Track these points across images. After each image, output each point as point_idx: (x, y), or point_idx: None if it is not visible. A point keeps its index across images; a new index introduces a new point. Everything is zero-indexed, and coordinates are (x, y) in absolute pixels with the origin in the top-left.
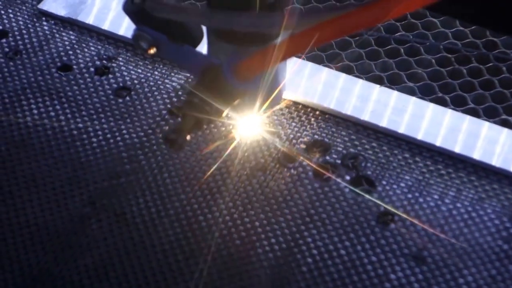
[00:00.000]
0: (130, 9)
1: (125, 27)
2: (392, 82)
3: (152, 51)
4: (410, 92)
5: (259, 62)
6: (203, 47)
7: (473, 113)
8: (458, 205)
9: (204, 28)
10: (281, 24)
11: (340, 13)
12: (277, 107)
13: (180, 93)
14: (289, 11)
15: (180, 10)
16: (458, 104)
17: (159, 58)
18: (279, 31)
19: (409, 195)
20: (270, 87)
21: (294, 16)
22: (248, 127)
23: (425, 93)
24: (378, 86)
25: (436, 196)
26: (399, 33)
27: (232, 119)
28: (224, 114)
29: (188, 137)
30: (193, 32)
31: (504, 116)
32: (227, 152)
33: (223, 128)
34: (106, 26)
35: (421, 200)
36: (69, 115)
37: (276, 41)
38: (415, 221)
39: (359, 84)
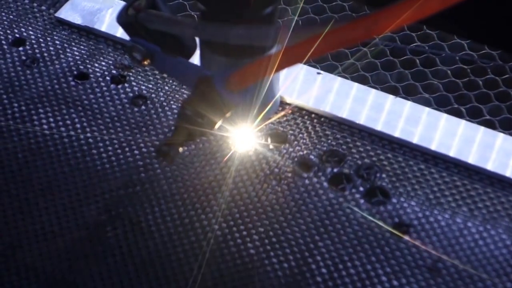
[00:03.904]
0: (124, 20)
1: None
2: (408, 93)
3: (146, 62)
4: (426, 103)
5: (250, 73)
6: (196, 59)
7: (489, 124)
8: (473, 217)
9: (197, 40)
10: (273, 37)
11: (334, 27)
12: (291, 116)
13: None
14: (282, 24)
15: (174, 22)
16: (474, 115)
17: None
18: (272, 43)
19: (424, 207)
20: (264, 98)
21: (286, 29)
22: (245, 138)
23: (441, 104)
24: (392, 96)
25: (451, 208)
26: (414, 44)
27: (225, 131)
28: (216, 126)
29: (180, 149)
30: (186, 44)
31: None
32: (241, 162)
33: (228, 141)
34: (122, 34)
35: (436, 211)
36: (85, 123)
37: (269, 53)
38: (430, 233)
39: (373, 94)
